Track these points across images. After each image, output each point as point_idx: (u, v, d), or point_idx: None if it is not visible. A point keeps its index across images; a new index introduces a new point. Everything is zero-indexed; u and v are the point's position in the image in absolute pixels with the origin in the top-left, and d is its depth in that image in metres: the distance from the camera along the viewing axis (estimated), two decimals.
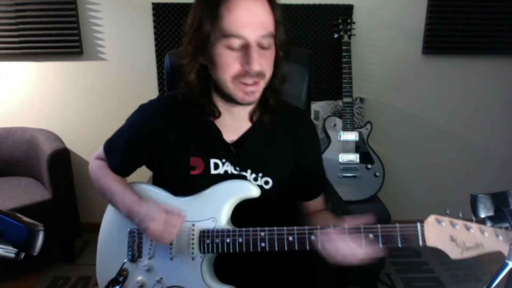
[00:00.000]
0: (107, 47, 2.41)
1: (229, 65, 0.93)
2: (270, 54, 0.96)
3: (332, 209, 1.47)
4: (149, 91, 2.46)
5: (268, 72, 0.97)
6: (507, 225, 0.65)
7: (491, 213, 0.66)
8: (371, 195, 2.23)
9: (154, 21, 2.35)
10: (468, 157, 2.66)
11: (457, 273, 2.22)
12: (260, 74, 0.94)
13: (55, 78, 2.45)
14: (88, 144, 2.54)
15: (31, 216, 0.71)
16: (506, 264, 0.67)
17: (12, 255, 0.68)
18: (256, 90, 0.96)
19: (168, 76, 1.45)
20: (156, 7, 2.33)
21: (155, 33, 2.37)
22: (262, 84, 0.97)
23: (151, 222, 0.97)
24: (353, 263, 0.90)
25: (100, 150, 1.18)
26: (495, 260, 0.83)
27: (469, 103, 2.58)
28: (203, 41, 0.92)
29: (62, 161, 2.17)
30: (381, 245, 0.90)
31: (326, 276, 1.20)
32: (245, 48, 0.91)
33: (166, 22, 2.35)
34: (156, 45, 2.39)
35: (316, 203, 1.19)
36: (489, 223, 0.68)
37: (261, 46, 0.92)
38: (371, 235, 0.90)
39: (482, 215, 0.67)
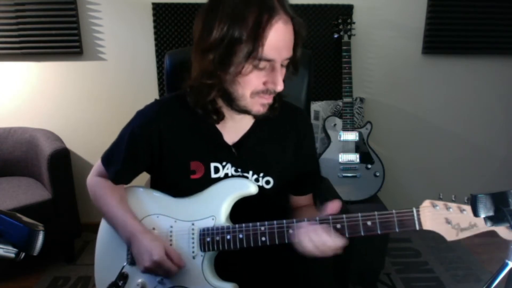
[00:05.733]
0: (107, 47, 2.42)
1: (252, 83, 0.95)
2: (284, 71, 0.99)
3: None
4: (149, 91, 2.46)
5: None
6: (507, 225, 0.65)
7: (491, 213, 0.66)
8: (371, 195, 2.24)
9: (154, 21, 2.35)
10: (468, 157, 2.66)
11: (457, 273, 2.22)
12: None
13: (55, 78, 2.45)
14: (88, 144, 2.54)
15: (31, 216, 0.71)
16: (506, 264, 0.67)
17: (12, 255, 0.68)
18: (270, 102, 1.01)
19: (168, 76, 1.45)
20: (156, 7, 2.33)
21: (155, 33, 2.37)
22: (274, 96, 1.00)
23: (146, 262, 0.97)
24: (325, 255, 0.92)
25: (97, 165, 1.15)
26: (495, 260, 0.84)
27: (469, 103, 2.58)
28: (231, 59, 0.91)
29: (62, 161, 2.18)
30: (379, 232, 0.90)
31: (326, 276, 1.20)
32: (271, 69, 0.94)
33: (166, 22, 2.35)
34: (156, 45, 2.39)
35: (306, 199, 1.20)
36: (489, 223, 0.68)
37: (281, 65, 0.95)
38: (369, 222, 0.91)
39: (482, 215, 0.67)
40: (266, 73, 0.94)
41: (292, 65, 1.01)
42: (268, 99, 0.99)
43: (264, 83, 0.95)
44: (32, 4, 2.31)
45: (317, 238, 0.91)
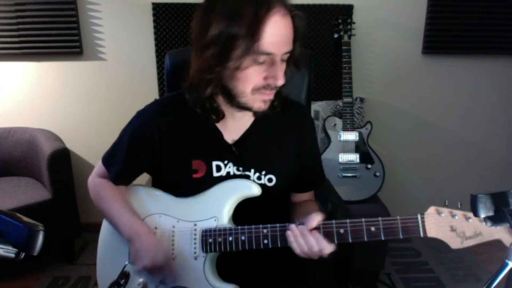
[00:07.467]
0: (107, 47, 2.42)
1: (252, 78, 0.94)
2: (285, 65, 0.98)
3: (332, 209, 1.47)
4: (149, 91, 2.46)
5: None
6: (507, 225, 0.65)
7: (491, 213, 0.67)
8: (371, 195, 2.24)
9: (154, 21, 2.35)
10: (468, 157, 2.66)
11: (457, 273, 2.22)
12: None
13: (55, 78, 2.45)
14: (88, 144, 2.54)
15: (31, 216, 0.71)
16: (506, 264, 0.67)
17: (12, 255, 0.68)
18: (271, 98, 1.00)
19: (168, 76, 1.45)
20: (156, 7, 2.33)
21: (155, 33, 2.37)
22: (275, 92, 1.00)
23: (146, 261, 0.98)
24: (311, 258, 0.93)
25: (98, 166, 1.15)
26: (495, 260, 0.84)
27: (469, 103, 2.58)
28: (230, 54, 0.90)
29: (62, 161, 2.17)
30: (382, 238, 0.90)
31: (326, 276, 1.20)
32: (271, 63, 0.93)
33: (166, 22, 2.35)
34: (156, 45, 2.39)
35: (307, 194, 1.20)
36: (489, 223, 0.68)
37: (281, 59, 0.94)
38: (372, 228, 0.90)
39: (482, 215, 0.67)
40: (265, 68, 0.93)
41: (293, 61, 1.00)
42: (270, 95, 0.98)
43: (265, 78, 0.94)
44: (32, 4, 2.31)
45: (304, 242, 0.91)
